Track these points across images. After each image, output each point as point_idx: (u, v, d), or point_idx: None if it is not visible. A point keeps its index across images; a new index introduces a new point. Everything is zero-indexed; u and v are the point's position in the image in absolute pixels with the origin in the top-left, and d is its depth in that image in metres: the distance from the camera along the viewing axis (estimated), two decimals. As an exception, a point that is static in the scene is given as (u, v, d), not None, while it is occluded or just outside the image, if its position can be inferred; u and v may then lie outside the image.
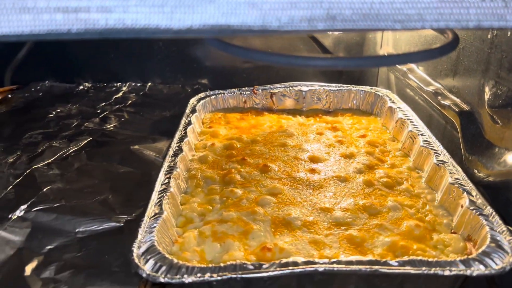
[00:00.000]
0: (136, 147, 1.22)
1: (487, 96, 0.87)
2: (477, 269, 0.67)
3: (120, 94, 1.72)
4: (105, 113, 1.53)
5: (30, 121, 1.43)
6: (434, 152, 1.02)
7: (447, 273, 0.66)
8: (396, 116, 1.27)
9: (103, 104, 1.61)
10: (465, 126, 0.95)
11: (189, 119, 1.31)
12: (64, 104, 1.59)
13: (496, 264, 0.68)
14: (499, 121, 0.85)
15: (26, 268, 0.80)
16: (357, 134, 1.29)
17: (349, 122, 1.39)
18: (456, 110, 0.99)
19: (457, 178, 0.91)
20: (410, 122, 1.20)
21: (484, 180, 0.87)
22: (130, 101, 1.65)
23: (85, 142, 1.26)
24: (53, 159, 1.15)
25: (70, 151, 1.20)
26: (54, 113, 1.51)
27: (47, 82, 1.86)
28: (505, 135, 0.83)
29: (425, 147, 1.06)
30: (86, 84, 1.83)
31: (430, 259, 0.69)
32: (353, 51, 1.84)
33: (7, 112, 1.53)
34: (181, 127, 1.25)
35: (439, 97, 1.09)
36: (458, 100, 1.02)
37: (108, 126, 1.41)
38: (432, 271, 0.67)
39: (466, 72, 0.98)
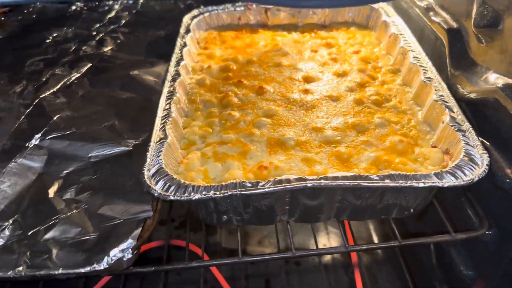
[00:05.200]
0: (136, 72, 1.25)
1: (474, 15, 0.88)
2: (448, 181, 0.75)
3: (113, 13, 1.70)
4: (101, 35, 1.52)
5: (29, 47, 1.44)
6: (423, 69, 1.06)
7: (421, 185, 0.75)
8: (389, 30, 1.28)
9: (98, 25, 1.60)
10: (452, 43, 0.98)
11: (184, 40, 1.32)
12: (59, 27, 1.58)
13: (466, 175, 0.76)
14: (483, 41, 0.88)
15: (49, 191, 0.89)
16: (351, 50, 1.31)
17: (344, 37, 1.39)
18: (445, 27, 1.01)
19: (441, 95, 0.96)
20: (402, 37, 1.21)
21: (466, 97, 0.92)
22: (123, 21, 1.63)
23: (86, 68, 1.29)
24: (58, 87, 1.19)
25: (73, 78, 1.23)
26: (51, 37, 1.51)
27: (38, 3, 1.82)
28: (488, 55, 0.86)
29: (414, 63, 1.09)
30: (78, 3, 1.79)
31: (407, 173, 0.77)
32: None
33: (5, 38, 1.53)
34: (177, 50, 1.26)
35: (431, 13, 1.09)
36: (448, 17, 1.03)
37: (105, 50, 1.42)
38: (408, 183, 0.75)
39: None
